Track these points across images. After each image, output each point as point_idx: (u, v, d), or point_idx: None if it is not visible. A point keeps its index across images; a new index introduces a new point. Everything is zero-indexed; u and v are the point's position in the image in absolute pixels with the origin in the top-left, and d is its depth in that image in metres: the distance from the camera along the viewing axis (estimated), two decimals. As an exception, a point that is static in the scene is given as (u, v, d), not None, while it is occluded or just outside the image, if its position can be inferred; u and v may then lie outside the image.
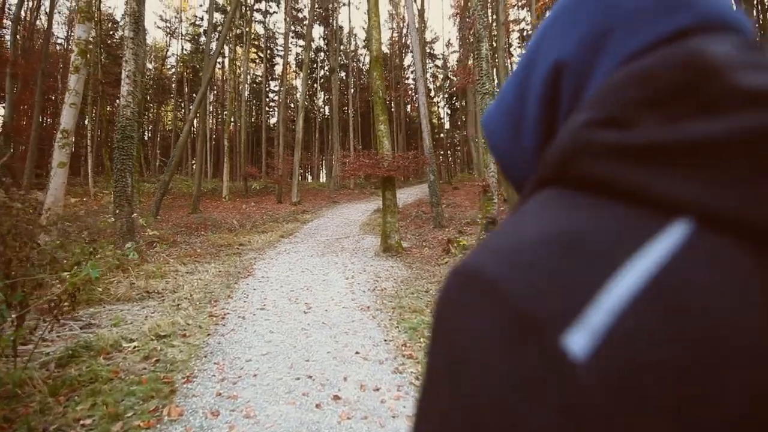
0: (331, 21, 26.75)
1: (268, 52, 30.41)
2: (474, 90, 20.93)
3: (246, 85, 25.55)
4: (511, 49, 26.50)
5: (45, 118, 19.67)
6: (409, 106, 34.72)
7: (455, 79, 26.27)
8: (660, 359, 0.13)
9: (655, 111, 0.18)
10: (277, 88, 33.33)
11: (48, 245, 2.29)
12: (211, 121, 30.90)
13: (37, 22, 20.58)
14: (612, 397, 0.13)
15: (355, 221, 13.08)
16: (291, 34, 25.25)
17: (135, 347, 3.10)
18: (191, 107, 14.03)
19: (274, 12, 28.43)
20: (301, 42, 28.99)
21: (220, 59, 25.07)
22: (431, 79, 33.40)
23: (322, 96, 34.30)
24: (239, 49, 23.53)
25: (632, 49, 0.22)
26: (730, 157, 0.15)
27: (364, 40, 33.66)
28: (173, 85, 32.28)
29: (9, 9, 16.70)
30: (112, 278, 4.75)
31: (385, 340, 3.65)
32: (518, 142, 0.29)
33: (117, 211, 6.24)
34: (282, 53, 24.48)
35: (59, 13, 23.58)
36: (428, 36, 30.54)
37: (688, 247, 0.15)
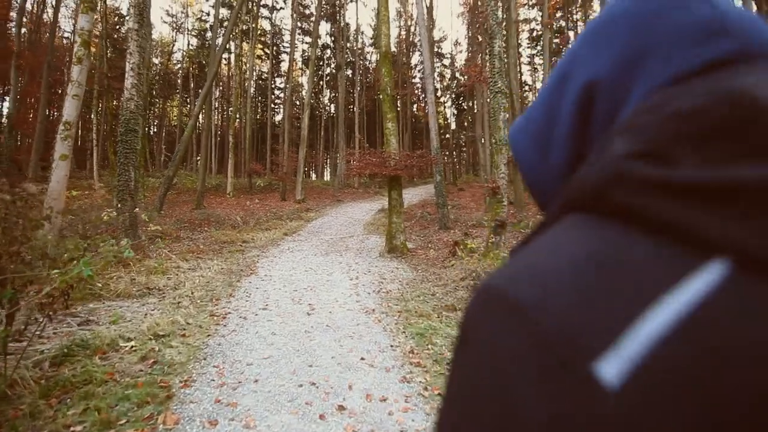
0: (338, 18, 26.61)
1: (275, 48, 30.32)
2: (483, 89, 20.74)
3: (252, 82, 25.48)
4: (521, 50, 26.25)
5: (51, 111, 19.70)
6: (415, 106, 34.53)
7: (463, 78, 26.06)
8: (693, 395, 0.13)
9: (699, 148, 0.18)
10: (282, 85, 33.25)
11: (40, 240, 2.18)
12: (216, 117, 30.92)
13: (44, 15, 20.63)
14: (643, 424, 0.13)
15: (360, 220, 12.95)
16: (297, 31, 25.16)
17: (132, 347, 2.98)
18: (197, 102, 13.95)
19: (280, 8, 28.34)
20: (308, 39, 28.87)
21: (226, 55, 25.04)
22: (438, 79, 33.19)
23: (328, 94, 34.20)
24: (245, 45, 23.45)
25: (669, 74, 0.22)
26: None
27: (371, 38, 33.52)
28: (179, 81, 32.28)
29: (15, 0, 16.69)
30: (113, 273, 4.65)
31: (392, 346, 3.51)
32: (546, 159, 0.29)
33: (119, 206, 6.14)
34: (288, 50, 24.38)
35: (65, 6, 23.61)
36: (436, 35, 30.33)
37: (725, 286, 0.15)
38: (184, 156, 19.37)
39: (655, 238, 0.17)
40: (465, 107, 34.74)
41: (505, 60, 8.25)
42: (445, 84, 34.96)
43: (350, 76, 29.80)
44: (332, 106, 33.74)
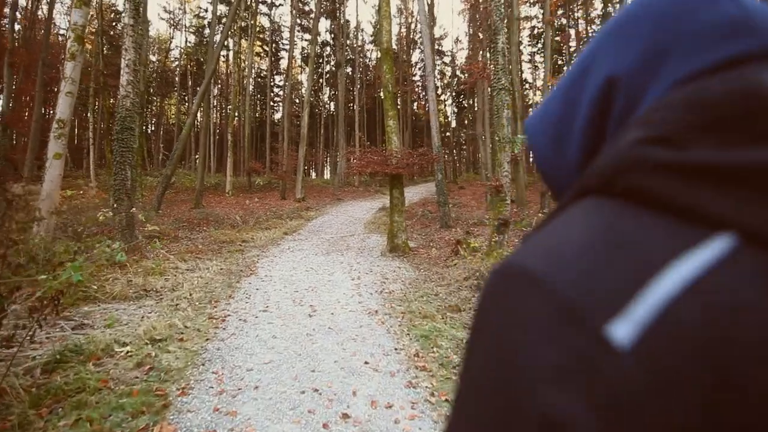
0: (338, 14, 26.39)
1: (274, 45, 30.09)
2: (484, 87, 20.59)
3: (250, 79, 25.28)
4: (521, 47, 26.09)
5: (47, 110, 19.50)
6: (415, 104, 34.37)
7: (464, 76, 25.92)
8: (698, 354, 0.14)
9: (710, 135, 0.19)
10: (282, 83, 33.04)
11: (28, 243, 2.06)
12: (215, 115, 30.71)
13: (39, 11, 20.37)
14: (652, 383, 0.14)
15: (360, 219, 12.85)
16: (297, 28, 24.95)
17: (128, 352, 2.87)
18: (195, 100, 13.80)
19: (280, 4, 28.07)
20: (307, 36, 28.66)
21: (224, 52, 24.84)
22: (438, 77, 33.04)
23: (328, 91, 34.01)
24: (244, 42, 23.26)
25: (688, 71, 0.23)
26: None
27: (371, 35, 33.30)
28: (177, 79, 32.05)
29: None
30: (108, 275, 4.53)
31: (396, 349, 3.41)
32: (562, 152, 0.30)
33: (115, 206, 6.01)
34: (287, 47, 24.19)
35: (60, 2, 23.38)
36: (437, 32, 30.09)
37: (730, 257, 0.16)
38: (183, 154, 19.22)
39: (665, 216, 0.18)
40: (465, 105, 34.57)
41: (508, 57, 8.12)
42: (445, 82, 34.79)
43: (350, 73, 29.61)
44: (332, 104, 33.56)
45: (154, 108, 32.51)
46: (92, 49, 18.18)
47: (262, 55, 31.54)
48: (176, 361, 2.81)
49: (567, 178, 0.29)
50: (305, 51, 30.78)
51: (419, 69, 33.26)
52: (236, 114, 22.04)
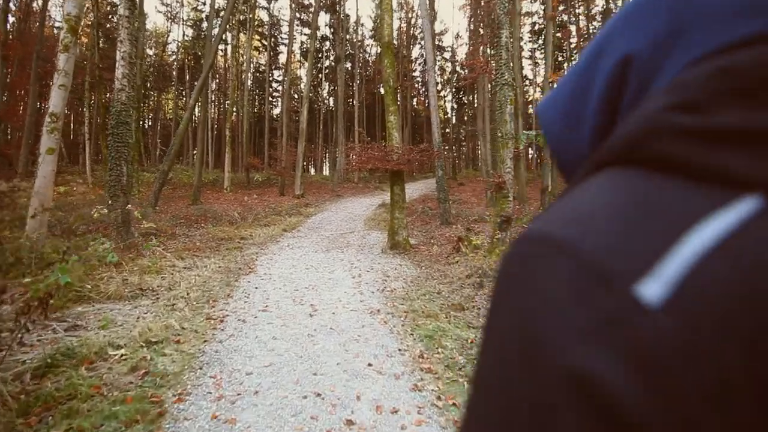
0: (337, 9, 26.06)
1: (272, 40, 29.75)
2: (484, 83, 20.42)
3: (249, 74, 25.03)
4: (521, 44, 25.86)
5: (42, 104, 19.22)
6: (415, 100, 34.14)
7: (464, 71, 25.68)
8: (731, 308, 0.14)
9: (734, 101, 0.19)
10: (280, 78, 32.75)
11: (14, 243, 1.95)
12: (212, 110, 30.44)
13: (33, 3, 20.02)
14: (682, 339, 0.14)
15: (360, 216, 12.74)
16: (296, 22, 24.64)
17: (122, 355, 2.76)
18: (192, 95, 13.59)
19: (278, -2, 27.74)
20: (307, 30, 28.34)
21: (222, 46, 24.53)
22: (438, 72, 32.78)
23: (327, 87, 33.73)
24: (242, 36, 22.97)
25: (704, 50, 0.23)
26: None
27: (371, 30, 33.01)
28: (174, 73, 31.70)
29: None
30: (103, 274, 4.40)
31: (400, 350, 3.31)
32: (575, 134, 0.30)
33: (111, 202, 5.87)
34: (286, 41, 23.90)
35: (57, -5, 23.00)
36: (437, 27, 29.80)
37: (758, 215, 0.16)
38: (180, 150, 19.02)
39: (690, 181, 0.18)
40: (465, 102, 34.37)
41: (511, 52, 7.98)
42: (445, 78, 34.54)
43: (350, 69, 29.34)
44: (331, 99, 33.31)
45: (151, 103, 32.18)
46: (88, 42, 17.91)
47: (260, 49, 31.21)
48: (172, 364, 2.70)
49: (580, 160, 0.29)
50: (304, 45, 30.47)
51: (419, 65, 33.01)
52: (234, 109, 21.82)
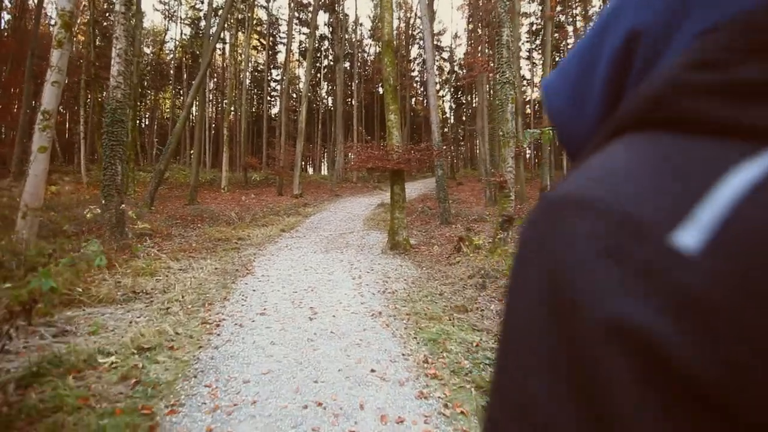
0: (336, 8, 25.93)
1: (271, 39, 29.55)
2: (483, 83, 20.32)
3: (247, 73, 24.85)
4: (519, 44, 25.80)
5: (37, 103, 18.96)
6: (413, 100, 34.04)
7: (463, 71, 25.61)
8: None
9: (754, 56, 0.19)
10: (279, 77, 32.54)
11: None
12: (210, 109, 30.22)
13: (29, 0, 19.76)
14: (729, 284, 0.14)
15: (359, 216, 12.61)
16: (295, 21, 24.47)
17: (112, 363, 2.63)
18: (190, 93, 13.42)
19: (277, -3, 27.57)
20: (305, 29, 28.15)
21: (220, 45, 24.34)
22: (437, 72, 32.68)
23: (326, 86, 33.58)
24: (241, 35, 22.79)
25: (715, 20, 0.22)
26: None
27: (370, 30, 32.88)
28: (171, 72, 31.45)
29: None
30: (95, 276, 4.25)
31: (403, 355, 3.19)
32: (580, 111, 0.29)
33: (104, 202, 5.72)
34: (285, 40, 23.75)
35: (52, -8, 22.72)
36: (436, 27, 29.69)
37: None
38: (177, 149, 18.84)
39: (715, 137, 0.17)
40: (463, 101, 34.29)
41: (513, 50, 7.89)
42: (443, 78, 34.47)
43: (348, 68, 29.20)
44: (330, 99, 33.16)
45: (148, 102, 31.93)
46: (84, 41, 17.69)
47: (259, 48, 31.01)
48: (165, 373, 2.57)
49: (585, 138, 0.28)
50: (303, 45, 30.32)
51: (418, 64, 32.91)
52: (232, 108, 21.65)
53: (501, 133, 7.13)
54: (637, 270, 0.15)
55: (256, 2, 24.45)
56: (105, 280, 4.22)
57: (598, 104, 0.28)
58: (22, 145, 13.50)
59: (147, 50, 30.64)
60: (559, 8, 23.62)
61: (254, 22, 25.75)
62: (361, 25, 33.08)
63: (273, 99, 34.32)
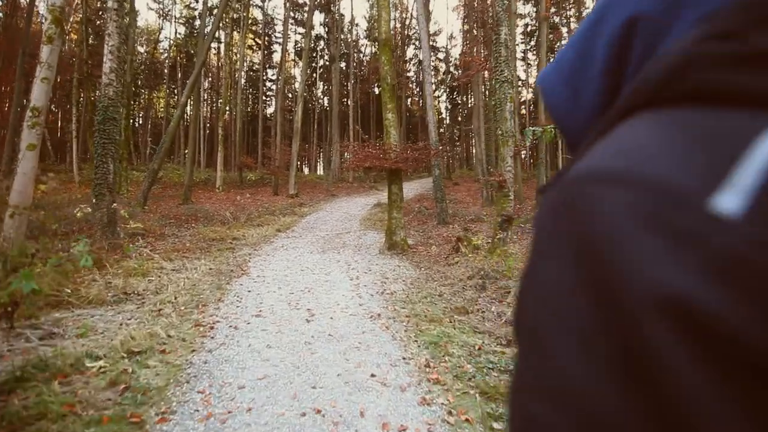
0: (332, 8, 25.82)
1: (266, 38, 29.38)
2: (479, 83, 20.32)
3: (242, 73, 24.65)
4: (515, 44, 25.87)
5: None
6: (409, 100, 34.02)
7: (459, 71, 25.62)
8: None
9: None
10: (274, 77, 32.36)
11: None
12: (205, 108, 29.97)
13: (20, -3, 19.44)
14: None
15: (356, 216, 12.51)
16: (290, 21, 24.34)
17: (101, 368, 2.51)
18: (184, 92, 13.25)
19: (273, -4, 27.44)
20: (301, 29, 28.04)
21: (215, 45, 24.13)
22: (433, 73, 32.67)
23: (321, 86, 33.45)
24: (236, 35, 22.60)
25: (714, 7, 0.22)
26: None
27: (366, 30, 32.82)
28: (165, 71, 31.14)
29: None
30: (85, 276, 4.12)
31: (404, 358, 3.10)
32: (578, 100, 0.29)
33: (95, 201, 5.58)
34: (281, 40, 23.63)
35: (45, -10, 22.39)
36: (432, 28, 29.72)
37: None
38: (171, 148, 18.61)
39: (736, 106, 0.17)
40: (459, 101, 34.33)
41: (511, 48, 7.85)
42: (439, 78, 34.49)
43: (344, 68, 29.08)
44: (326, 98, 33.02)
45: (141, 101, 31.57)
46: (77, 39, 17.42)
47: (254, 48, 30.81)
48: (156, 378, 2.46)
49: (585, 126, 0.28)
50: (299, 45, 30.18)
51: (413, 65, 32.90)
52: (227, 108, 21.46)
53: (499, 132, 7.08)
54: (679, 239, 0.14)
55: (251, 2, 24.29)
56: (95, 281, 4.09)
57: (597, 93, 0.27)
58: (12, 144, 13.24)
59: (141, 49, 30.31)
60: (553, 9, 23.72)
61: (249, 21, 25.57)
62: (357, 25, 33.00)
63: (269, 99, 34.13)
